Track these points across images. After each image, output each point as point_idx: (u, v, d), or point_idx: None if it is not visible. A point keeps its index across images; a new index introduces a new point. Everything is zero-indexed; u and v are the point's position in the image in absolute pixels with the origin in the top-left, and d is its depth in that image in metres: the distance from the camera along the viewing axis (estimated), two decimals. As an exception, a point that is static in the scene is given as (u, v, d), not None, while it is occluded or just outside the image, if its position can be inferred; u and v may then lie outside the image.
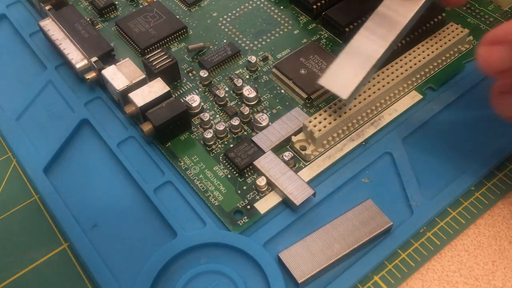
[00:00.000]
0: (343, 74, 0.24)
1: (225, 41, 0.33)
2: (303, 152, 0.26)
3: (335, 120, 0.26)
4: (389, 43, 0.24)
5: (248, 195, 0.26)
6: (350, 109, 0.26)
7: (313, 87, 0.29)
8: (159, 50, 0.30)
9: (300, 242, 0.23)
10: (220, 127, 0.27)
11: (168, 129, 0.27)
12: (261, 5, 0.35)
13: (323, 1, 0.32)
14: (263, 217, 0.25)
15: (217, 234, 0.24)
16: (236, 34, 0.33)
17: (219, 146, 0.28)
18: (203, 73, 0.30)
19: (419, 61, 0.28)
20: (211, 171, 0.27)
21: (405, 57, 0.29)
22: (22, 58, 0.33)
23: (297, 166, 0.26)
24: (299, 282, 0.22)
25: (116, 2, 0.35)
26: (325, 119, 0.26)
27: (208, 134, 0.27)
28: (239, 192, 0.26)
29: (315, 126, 0.26)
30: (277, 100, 0.29)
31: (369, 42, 0.24)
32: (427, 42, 0.30)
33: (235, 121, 0.27)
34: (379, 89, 0.27)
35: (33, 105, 0.31)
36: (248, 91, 0.29)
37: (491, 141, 0.27)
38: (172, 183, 0.26)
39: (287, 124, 0.27)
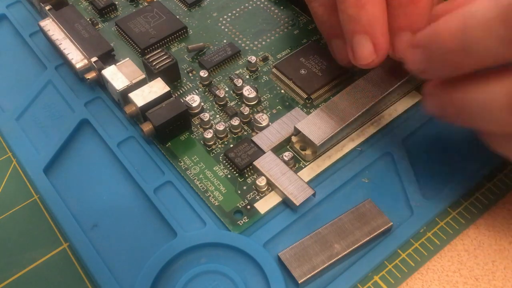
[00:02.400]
0: (319, 124, 0.26)
1: (225, 41, 0.33)
2: (303, 152, 0.26)
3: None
4: (365, 108, 0.26)
5: (248, 195, 0.26)
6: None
7: (313, 87, 0.29)
8: (159, 50, 0.30)
9: (300, 242, 0.23)
10: (220, 127, 0.27)
11: (168, 129, 0.27)
12: (261, 5, 0.35)
13: (323, 1, 0.33)
14: (263, 217, 0.25)
15: (217, 234, 0.24)
16: (236, 34, 0.33)
17: (219, 146, 0.28)
18: (203, 73, 0.30)
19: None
20: (211, 171, 0.27)
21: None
22: (22, 58, 0.33)
23: (297, 166, 0.26)
24: (299, 282, 0.22)
25: (116, 2, 0.35)
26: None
27: (208, 134, 0.27)
28: (239, 192, 0.26)
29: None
30: (277, 100, 0.29)
31: (347, 103, 0.27)
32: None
33: (235, 121, 0.27)
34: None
35: (33, 105, 0.31)
36: (248, 91, 0.29)
37: (491, 141, 0.27)
38: (172, 183, 0.26)
39: (287, 124, 0.27)
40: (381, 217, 0.24)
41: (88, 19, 0.32)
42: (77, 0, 0.36)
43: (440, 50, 0.20)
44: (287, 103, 0.29)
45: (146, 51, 0.32)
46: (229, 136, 0.28)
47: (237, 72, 0.31)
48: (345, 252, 0.23)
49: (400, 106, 0.28)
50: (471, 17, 0.18)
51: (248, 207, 0.25)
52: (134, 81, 0.28)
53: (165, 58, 0.29)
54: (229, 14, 0.34)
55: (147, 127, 0.27)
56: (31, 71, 0.32)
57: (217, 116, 0.29)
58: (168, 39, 0.32)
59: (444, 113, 0.23)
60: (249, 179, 0.26)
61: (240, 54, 0.32)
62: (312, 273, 0.22)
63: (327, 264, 0.23)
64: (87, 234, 0.25)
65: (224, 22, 0.34)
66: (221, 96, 0.29)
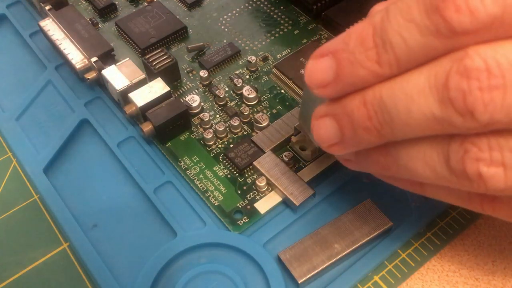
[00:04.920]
0: None
1: (225, 41, 0.33)
2: (303, 152, 0.26)
3: None
4: None
5: (248, 195, 0.26)
6: None
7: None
8: (159, 50, 0.30)
9: (300, 242, 0.23)
10: (220, 127, 0.27)
11: (168, 129, 0.27)
12: (261, 5, 0.35)
13: (323, 1, 0.33)
14: (263, 217, 0.25)
15: (217, 234, 0.24)
16: (236, 34, 0.33)
17: (219, 146, 0.28)
18: (203, 73, 0.30)
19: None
20: (211, 171, 0.27)
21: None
22: (22, 58, 0.33)
23: (297, 166, 0.26)
24: (299, 282, 0.22)
25: (116, 2, 0.35)
26: None
27: (208, 134, 0.27)
28: (239, 192, 0.26)
29: None
30: (277, 100, 0.29)
31: None
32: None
33: (235, 121, 0.27)
34: None
35: (33, 105, 0.31)
36: (248, 91, 0.29)
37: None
38: (172, 183, 0.26)
39: (287, 124, 0.27)
40: (381, 217, 0.24)
41: (88, 19, 0.32)
42: (77, 0, 0.36)
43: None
44: (287, 103, 0.29)
45: (146, 51, 0.32)
46: (229, 136, 0.28)
47: (237, 72, 0.31)
48: (345, 252, 0.23)
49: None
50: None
51: (248, 207, 0.25)
52: (134, 81, 0.28)
53: (165, 58, 0.29)
54: (229, 14, 0.34)
55: (147, 127, 0.27)
56: (31, 71, 0.32)
57: (217, 116, 0.29)
58: (168, 39, 0.32)
59: (366, 170, 0.21)
60: (249, 179, 0.26)
61: (240, 54, 0.32)
62: (312, 273, 0.22)
63: (327, 264, 0.23)
64: (87, 234, 0.25)
65: (224, 22, 0.34)
66: (221, 96, 0.29)
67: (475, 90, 0.14)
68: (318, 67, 0.18)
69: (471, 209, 0.19)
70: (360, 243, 0.23)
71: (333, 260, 0.23)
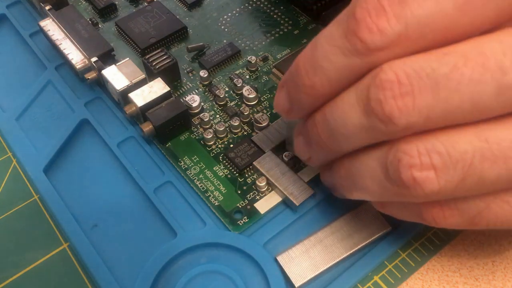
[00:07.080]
0: None
1: (225, 41, 0.33)
2: (303, 152, 0.26)
3: None
4: None
5: (248, 195, 0.26)
6: None
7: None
8: (159, 50, 0.30)
9: (299, 245, 0.23)
10: (220, 127, 0.27)
11: (168, 129, 0.27)
12: (261, 5, 0.35)
13: (323, 1, 0.33)
14: (263, 217, 0.25)
15: (217, 234, 0.24)
16: (236, 34, 0.33)
17: (219, 146, 0.28)
18: (203, 73, 0.30)
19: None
20: (211, 171, 0.27)
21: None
22: (22, 58, 0.33)
23: (297, 166, 0.26)
24: (296, 286, 0.22)
25: (116, 2, 0.35)
26: None
27: (208, 134, 0.27)
28: (239, 192, 0.26)
29: None
30: (277, 100, 0.29)
31: None
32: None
33: (235, 121, 0.27)
34: None
35: (33, 105, 0.31)
36: (248, 91, 0.29)
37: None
38: (172, 183, 0.26)
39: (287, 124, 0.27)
40: (380, 221, 0.24)
41: (88, 19, 0.32)
42: (77, 0, 0.36)
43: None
44: (287, 103, 0.29)
45: (146, 51, 0.32)
46: (229, 136, 0.28)
47: (237, 72, 0.31)
48: (344, 256, 0.23)
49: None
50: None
51: (248, 207, 0.25)
52: (134, 81, 0.28)
53: (165, 58, 0.29)
54: (229, 14, 0.34)
55: (147, 127, 0.27)
56: (31, 71, 0.32)
57: (217, 116, 0.29)
58: (168, 39, 0.32)
59: (335, 187, 0.23)
60: (249, 179, 0.26)
61: (240, 54, 0.32)
62: (310, 277, 0.22)
63: (325, 268, 0.23)
64: (87, 234, 0.25)
65: (224, 22, 0.34)
66: (221, 96, 0.29)
67: (390, 99, 0.16)
68: (279, 97, 0.21)
69: (425, 223, 0.20)
70: (359, 246, 0.23)
71: (331, 263, 0.23)
